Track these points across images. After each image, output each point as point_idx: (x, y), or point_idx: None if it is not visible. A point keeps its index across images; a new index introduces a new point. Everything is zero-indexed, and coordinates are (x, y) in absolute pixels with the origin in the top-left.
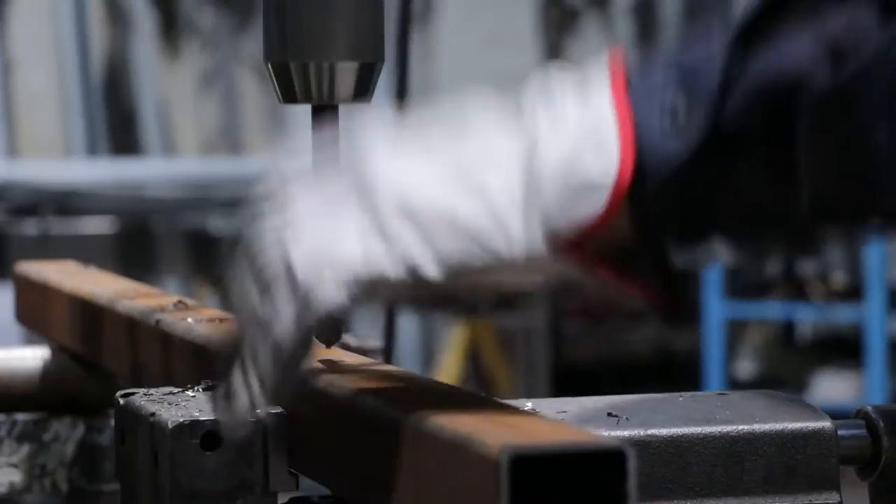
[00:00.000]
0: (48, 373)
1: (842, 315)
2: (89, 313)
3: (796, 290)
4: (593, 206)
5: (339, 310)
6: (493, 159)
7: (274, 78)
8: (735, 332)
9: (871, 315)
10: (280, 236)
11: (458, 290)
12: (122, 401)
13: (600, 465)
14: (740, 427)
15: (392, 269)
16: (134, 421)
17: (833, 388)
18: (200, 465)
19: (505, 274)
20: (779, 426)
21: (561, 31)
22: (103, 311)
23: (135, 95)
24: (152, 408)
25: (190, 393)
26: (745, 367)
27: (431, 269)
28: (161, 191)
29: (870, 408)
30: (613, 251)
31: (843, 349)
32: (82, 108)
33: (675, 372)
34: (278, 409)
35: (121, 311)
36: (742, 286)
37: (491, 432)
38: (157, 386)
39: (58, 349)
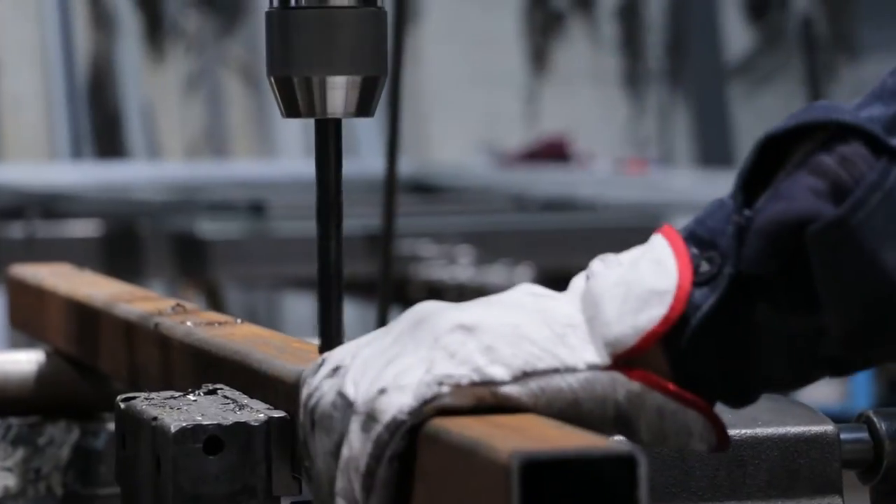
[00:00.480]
0: (43, 376)
1: None
2: (86, 316)
3: None
4: (655, 311)
5: (407, 428)
6: (550, 300)
7: (277, 92)
8: None
9: None
10: (339, 381)
11: (537, 410)
12: (123, 405)
13: (611, 470)
14: (743, 431)
15: (458, 376)
16: (136, 425)
17: (819, 391)
18: (203, 469)
19: (575, 392)
20: (781, 430)
21: (546, 34)
22: (100, 314)
23: (120, 98)
24: (154, 412)
25: (191, 397)
26: None
27: (498, 371)
28: (146, 194)
29: (872, 412)
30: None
31: None
32: (67, 111)
33: None
34: (281, 413)
35: (118, 314)
36: None
37: (499, 437)
38: (155, 389)
39: (52, 352)
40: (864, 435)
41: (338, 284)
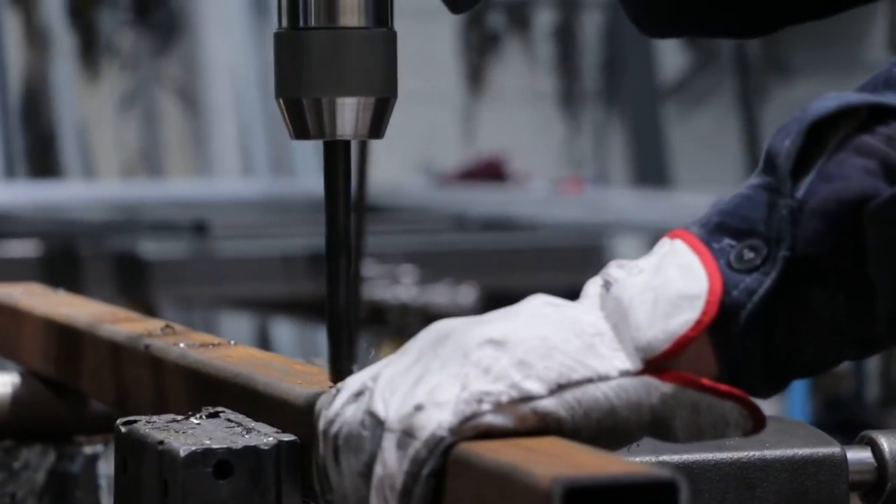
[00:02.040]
0: (17, 399)
1: None
2: (66, 337)
3: None
4: (688, 315)
5: (446, 445)
6: (571, 308)
7: (286, 114)
8: None
9: None
10: (366, 402)
11: (577, 428)
12: (123, 428)
13: (653, 495)
14: (751, 453)
15: (497, 392)
16: (139, 449)
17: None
18: (213, 493)
19: (610, 400)
20: (789, 452)
21: (482, 53)
22: (83, 334)
23: (54, 117)
24: (159, 435)
25: (194, 420)
26: None
27: (535, 386)
28: (84, 213)
29: (875, 433)
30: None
31: None
32: (0, 130)
33: None
34: (291, 437)
35: (103, 335)
36: None
37: (536, 462)
38: (146, 412)
39: (28, 374)
40: (868, 456)
41: (348, 310)
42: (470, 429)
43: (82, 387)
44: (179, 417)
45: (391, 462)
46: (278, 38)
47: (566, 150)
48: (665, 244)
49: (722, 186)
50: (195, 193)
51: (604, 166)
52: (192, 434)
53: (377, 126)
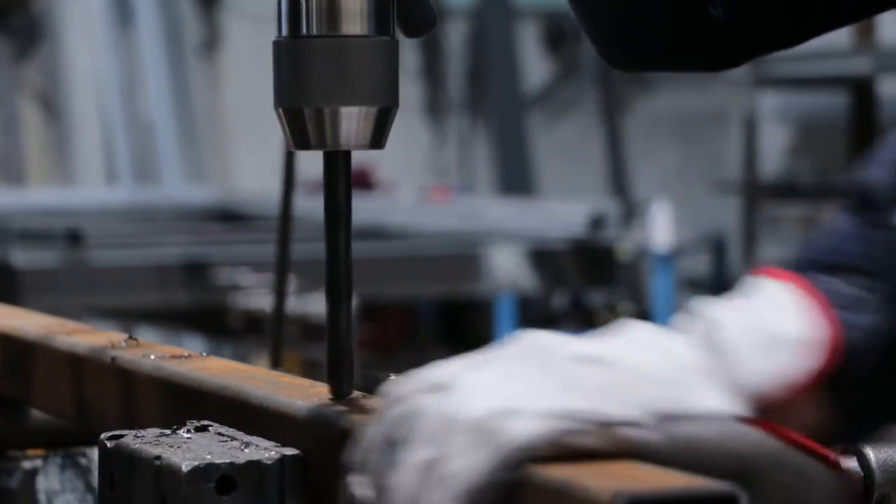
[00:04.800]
0: None
1: None
2: (15, 350)
3: (585, 320)
4: (802, 360)
5: (528, 457)
6: (669, 340)
7: (286, 124)
8: None
9: None
10: (445, 399)
11: (666, 462)
12: (110, 443)
13: None
14: None
15: (590, 413)
16: (130, 464)
17: None
18: None
19: (702, 439)
20: None
21: None
22: (35, 346)
23: None
24: (154, 450)
25: (184, 434)
26: None
27: (630, 412)
28: None
29: (861, 443)
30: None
31: None
32: None
33: None
34: (294, 451)
35: (59, 347)
36: (533, 317)
37: (591, 477)
38: (113, 426)
39: None
40: (854, 466)
41: (348, 324)
42: (556, 445)
43: (33, 400)
44: (167, 431)
45: (464, 463)
46: (278, 46)
47: (432, 159)
48: (763, 283)
49: (585, 195)
50: (61, 202)
51: (469, 175)
52: (188, 449)
53: (378, 136)
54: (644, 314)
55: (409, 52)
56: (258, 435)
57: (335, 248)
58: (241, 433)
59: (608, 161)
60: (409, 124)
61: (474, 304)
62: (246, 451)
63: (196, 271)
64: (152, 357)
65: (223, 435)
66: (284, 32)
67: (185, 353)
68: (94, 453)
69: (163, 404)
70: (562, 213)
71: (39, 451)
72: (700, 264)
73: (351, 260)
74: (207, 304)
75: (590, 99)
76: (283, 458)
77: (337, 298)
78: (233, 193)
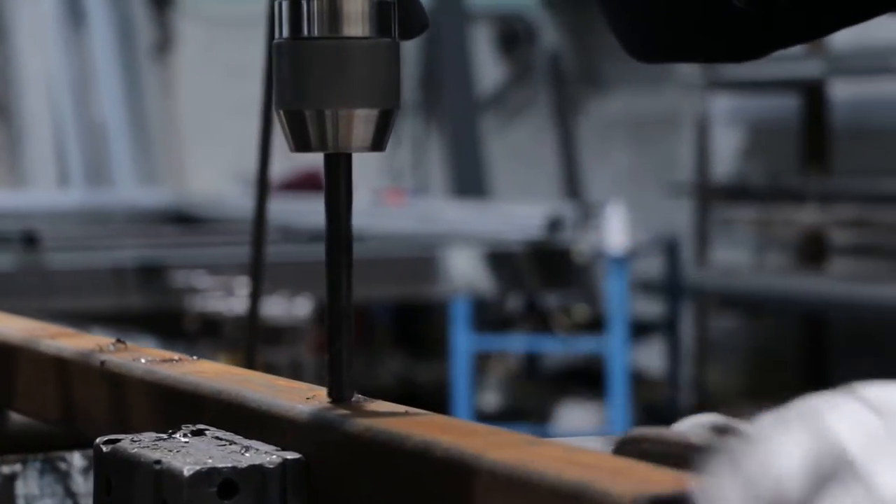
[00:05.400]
0: None
1: (584, 347)
2: None
3: (540, 322)
4: None
5: None
6: None
7: (286, 125)
8: (480, 364)
9: (613, 346)
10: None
11: None
12: (105, 448)
13: None
14: None
15: None
16: (129, 468)
17: (577, 418)
18: None
19: None
20: None
21: None
22: (18, 350)
23: None
24: (153, 454)
25: (181, 438)
26: (491, 399)
27: None
28: None
29: None
30: None
31: (586, 380)
32: None
33: (422, 404)
34: (296, 455)
35: (44, 350)
36: (488, 319)
37: (606, 479)
38: (102, 430)
39: None
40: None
41: (348, 326)
42: None
43: (15, 404)
44: (164, 436)
45: None
46: (279, 48)
47: (386, 162)
48: None
49: (539, 197)
50: (13, 204)
51: (423, 177)
52: (188, 453)
53: (380, 138)
54: (598, 317)
55: None
56: (257, 439)
57: (336, 251)
58: (240, 437)
59: (561, 163)
60: None
61: (429, 307)
62: (247, 455)
63: (152, 274)
64: (143, 361)
65: (221, 439)
66: (285, 34)
67: (176, 357)
68: (75, 458)
69: (155, 408)
70: (518, 215)
71: (18, 456)
72: (654, 266)
73: (352, 264)
74: (163, 307)
75: (543, 101)
76: (285, 461)
77: (337, 302)
78: (186, 196)
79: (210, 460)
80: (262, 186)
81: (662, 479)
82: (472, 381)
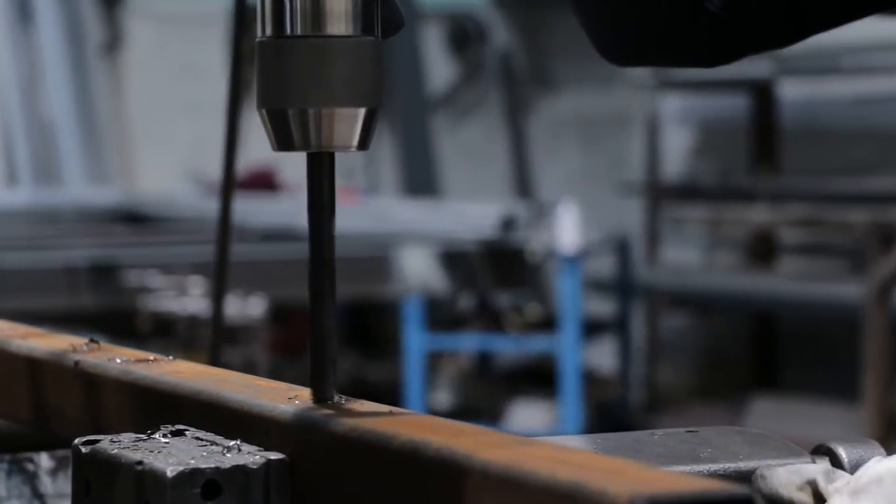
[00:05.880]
0: None
1: (536, 346)
2: None
3: (492, 321)
4: None
5: None
6: None
7: (268, 124)
8: (432, 363)
9: (565, 345)
10: None
11: None
12: (84, 448)
13: None
14: (727, 465)
15: None
16: (110, 469)
17: (529, 416)
18: None
19: None
20: (763, 463)
21: (252, 63)
22: None
23: None
24: (135, 455)
25: (162, 439)
26: (443, 398)
27: None
28: None
29: (832, 443)
30: None
31: (538, 379)
32: None
33: None
34: (279, 455)
35: (15, 350)
36: (440, 319)
37: (601, 479)
38: (76, 431)
39: None
40: (827, 465)
41: (332, 326)
42: None
43: None
44: (143, 436)
45: None
46: (261, 46)
47: (337, 160)
48: None
49: (489, 196)
50: None
51: (375, 176)
52: (168, 454)
53: (364, 137)
54: (550, 316)
55: None
56: (238, 439)
57: (319, 251)
58: (220, 437)
59: (512, 162)
60: None
61: (381, 306)
62: (229, 455)
63: (104, 274)
64: (118, 361)
65: (202, 439)
66: (268, 32)
67: (151, 357)
68: (42, 459)
69: (132, 409)
70: (472, 214)
71: None
72: (605, 265)
73: (335, 264)
74: (115, 307)
75: (494, 100)
76: (269, 462)
77: (320, 302)
78: (136, 195)
79: (193, 461)
80: (228, 186)
81: (657, 478)
82: (425, 380)
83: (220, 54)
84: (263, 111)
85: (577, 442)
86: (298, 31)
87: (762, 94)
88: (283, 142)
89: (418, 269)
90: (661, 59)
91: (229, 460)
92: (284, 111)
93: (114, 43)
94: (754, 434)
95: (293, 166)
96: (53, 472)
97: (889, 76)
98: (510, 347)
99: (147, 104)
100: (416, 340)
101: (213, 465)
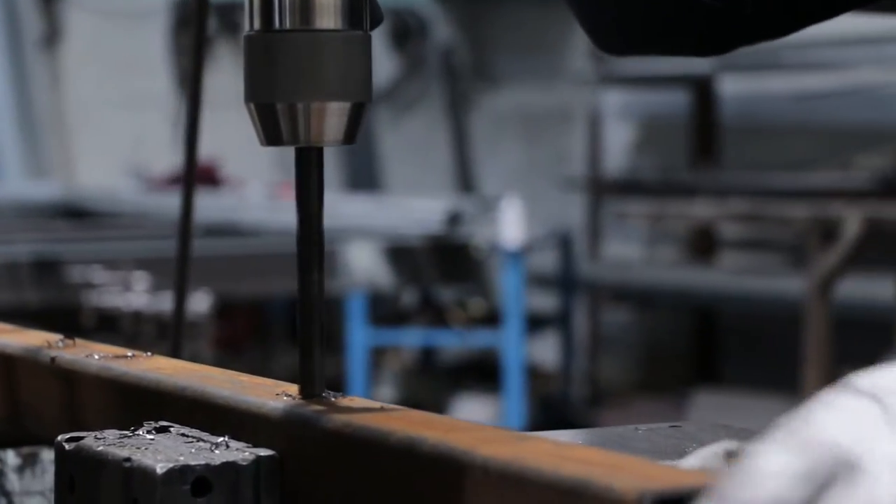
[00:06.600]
0: None
1: (480, 340)
2: None
3: (436, 316)
4: None
5: None
6: None
7: (257, 119)
8: (376, 358)
9: (508, 340)
10: None
11: None
12: (68, 445)
13: None
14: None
15: None
16: (95, 466)
17: (472, 411)
18: None
19: None
20: None
21: (188, 56)
22: None
23: None
24: (122, 452)
25: (147, 435)
26: (387, 392)
27: None
28: None
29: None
30: None
31: (482, 373)
32: None
33: None
34: (269, 452)
35: None
36: (384, 314)
37: (605, 474)
38: (53, 428)
39: None
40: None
41: (320, 321)
42: None
43: None
44: (128, 433)
45: None
46: (250, 40)
47: (278, 155)
48: None
49: (432, 191)
50: None
51: None
52: (156, 450)
53: (352, 132)
54: (494, 311)
55: None
56: (225, 436)
57: (307, 247)
58: (206, 434)
59: (454, 158)
60: None
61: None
62: (217, 452)
63: (46, 269)
64: (96, 357)
65: (187, 436)
66: (256, 26)
67: (129, 353)
68: (9, 456)
69: (112, 405)
70: (417, 209)
71: None
72: (548, 260)
73: (324, 260)
74: (59, 303)
75: (435, 96)
76: (259, 458)
77: (309, 299)
78: (77, 190)
79: (182, 458)
80: (189, 180)
81: (662, 474)
82: (368, 375)
83: (159, 48)
84: (252, 106)
85: (562, 438)
86: (287, 26)
87: (703, 89)
88: (271, 137)
89: (363, 265)
90: (655, 50)
91: (218, 457)
92: (273, 106)
93: (52, 36)
94: (738, 429)
95: (235, 161)
96: (20, 470)
97: (828, 72)
98: (454, 342)
99: (86, 98)
100: (359, 335)
101: (202, 462)
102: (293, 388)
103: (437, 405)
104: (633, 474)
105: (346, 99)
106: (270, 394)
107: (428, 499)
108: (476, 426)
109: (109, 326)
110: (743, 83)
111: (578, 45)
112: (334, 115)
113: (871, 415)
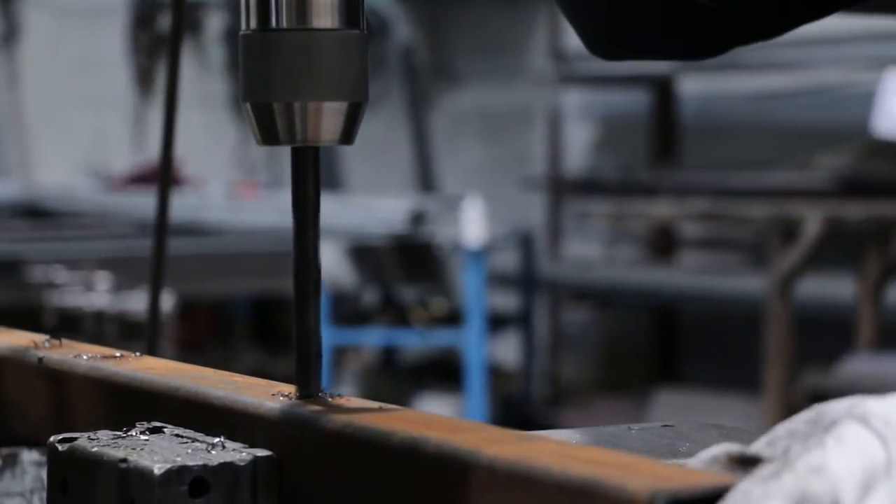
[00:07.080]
0: None
1: (441, 340)
2: None
3: (398, 316)
4: None
5: None
6: None
7: (253, 118)
8: (337, 358)
9: (470, 340)
10: None
11: None
12: (61, 446)
13: None
14: None
15: None
16: (90, 468)
17: (434, 410)
18: None
19: None
20: None
21: (152, 55)
22: None
23: None
24: (118, 453)
25: (141, 436)
26: (348, 392)
27: None
28: None
29: None
30: None
31: (443, 373)
32: None
33: None
34: (266, 452)
35: None
36: (346, 313)
37: (615, 474)
38: (41, 429)
39: None
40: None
41: (318, 322)
42: None
43: None
44: (121, 434)
45: None
46: (246, 39)
47: (239, 155)
48: None
49: (392, 190)
50: None
51: (277, 171)
52: (151, 451)
53: (349, 132)
54: (456, 310)
55: (214, 47)
56: (220, 436)
57: (304, 247)
58: (201, 434)
59: (415, 157)
60: (215, 119)
61: (285, 301)
62: (214, 452)
63: (6, 269)
64: (85, 357)
65: (181, 436)
66: (252, 25)
67: (117, 353)
68: None
69: (103, 406)
70: (381, 209)
71: None
72: (509, 260)
73: (319, 259)
74: (20, 303)
75: (396, 95)
76: (256, 459)
77: (305, 298)
78: (36, 189)
79: (179, 458)
80: (165, 182)
81: (673, 474)
82: (330, 375)
83: (118, 47)
84: (248, 105)
85: (558, 437)
86: (283, 25)
87: (662, 89)
88: (268, 136)
89: (326, 264)
90: (649, 54)
91: (216, 457)
92: (269, 105)
93: (10, 35)
94: (731, 429)
95: (195, 160)
96: (0, 471)
97: (788, 72)
98: (415, 342)
99: (45, 97)
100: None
101: (200, 463)
102: (289, 389)
103: (399, 404)
104: (644, 474)
105: (342, 98)
106: (266, 394)
107: (431, 500)
108: (478, 426)
109: (71, 326)
110: (703, 83)
111: (539, 45)
112: (331, 115)
113: (874, 458)
